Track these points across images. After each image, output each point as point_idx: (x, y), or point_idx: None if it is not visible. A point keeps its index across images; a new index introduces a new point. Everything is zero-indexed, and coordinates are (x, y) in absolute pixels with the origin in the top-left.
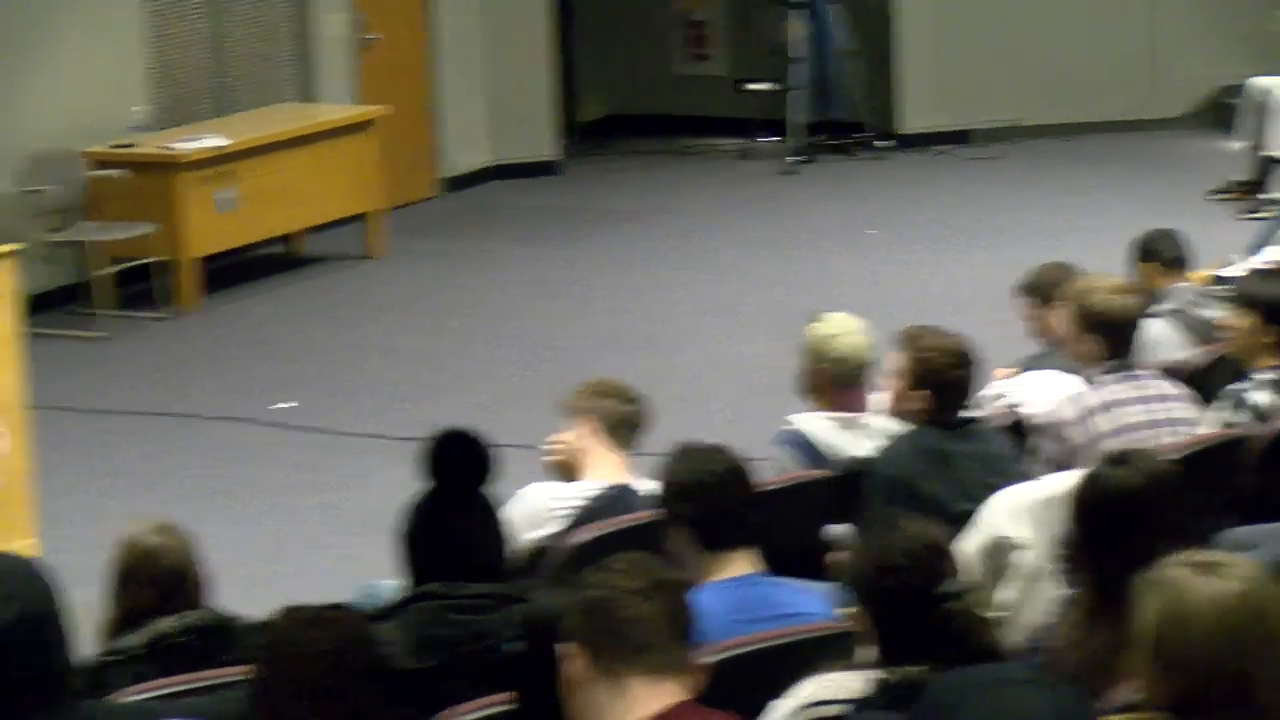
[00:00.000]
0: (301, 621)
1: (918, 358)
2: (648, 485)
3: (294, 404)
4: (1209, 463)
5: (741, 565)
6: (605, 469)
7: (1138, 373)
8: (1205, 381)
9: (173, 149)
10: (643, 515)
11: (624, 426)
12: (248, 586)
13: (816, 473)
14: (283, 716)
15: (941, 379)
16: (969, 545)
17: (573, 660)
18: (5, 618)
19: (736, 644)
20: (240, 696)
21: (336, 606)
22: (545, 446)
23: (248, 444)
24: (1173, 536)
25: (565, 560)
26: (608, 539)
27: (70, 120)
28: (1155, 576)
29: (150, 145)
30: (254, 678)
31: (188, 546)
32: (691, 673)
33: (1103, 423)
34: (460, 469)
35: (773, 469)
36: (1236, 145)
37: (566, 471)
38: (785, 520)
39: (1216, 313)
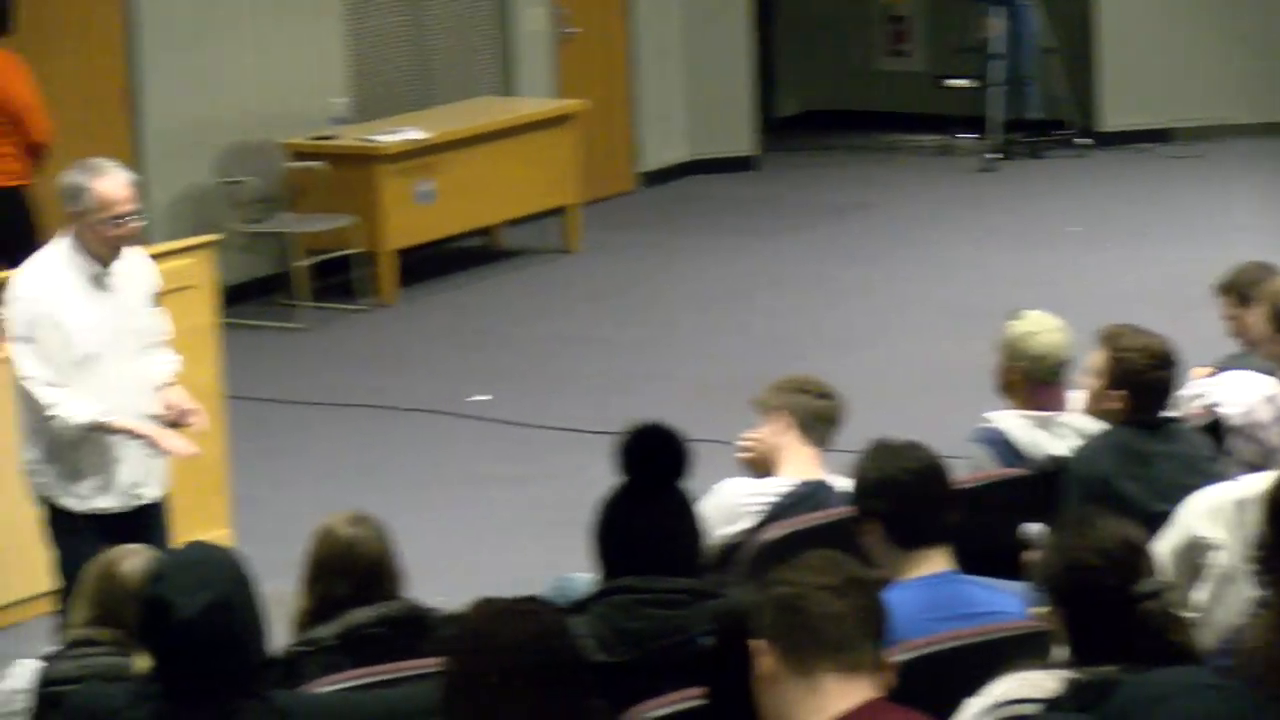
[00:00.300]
0: (496, 614)
1: (1116, 357)
2: (844, 482)
3: (488, 397)
4: None
5: (935, 563)
6: (799, 465)
7: None
8: None
9: (373, 141)
10: (836, 512)
11: (818, 422)
12: (446, 578)
13: (1013, 471)
14: (476, 709)
15: (1140, 379)
16: (1164, 545)
17: (765, 656)
18: (195, 605)
19: (930, 642)
20: (432, 688)
21: (530, 599)
22: (740, 443)
23: (445, 436)
24: None
25: (757, 556)
26: (800, 535)
27: (271, 112)
28: None
29: (350, 137)
30: (447, 669)
31: (383, 537)
32: (883, 671)
33: None
34: (655, 464)
35: (969, 467)
36: None
37: (761, 468)
38: (981, 518)
39: None
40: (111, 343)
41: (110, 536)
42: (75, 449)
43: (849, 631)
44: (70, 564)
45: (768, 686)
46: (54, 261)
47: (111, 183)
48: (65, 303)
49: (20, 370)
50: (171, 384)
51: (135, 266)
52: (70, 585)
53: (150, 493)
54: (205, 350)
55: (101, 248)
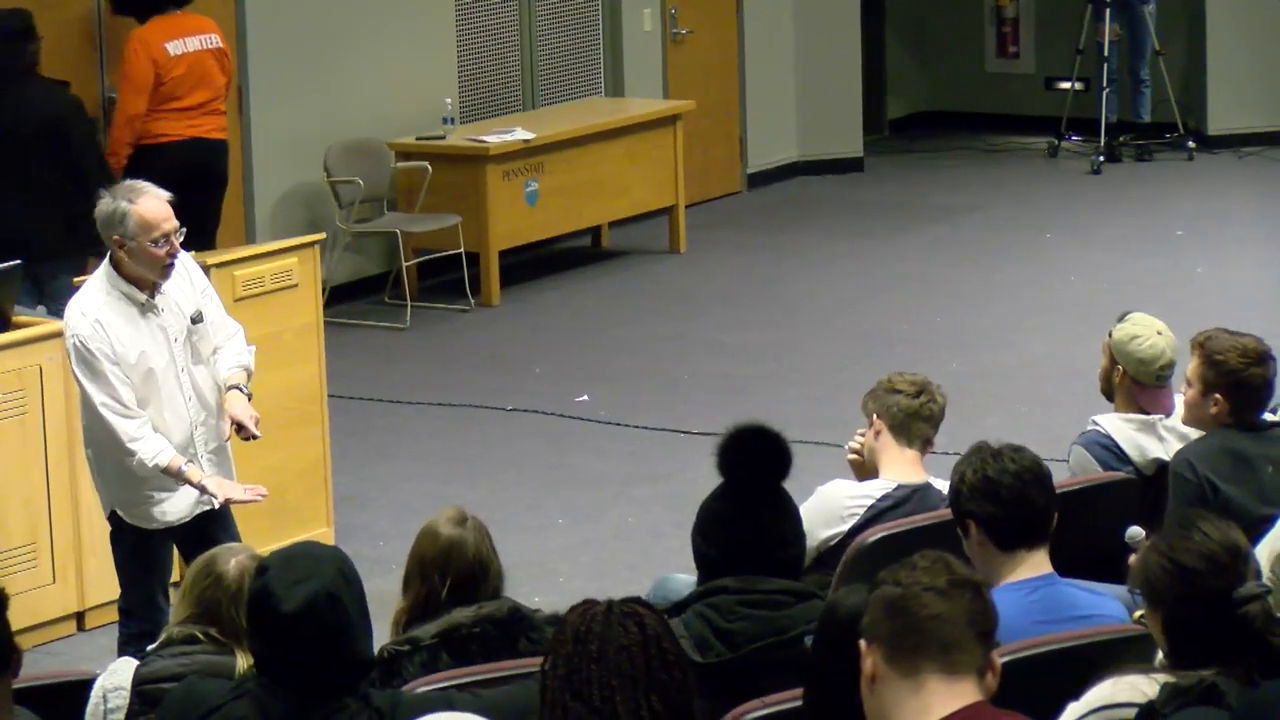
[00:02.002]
0: (598, 615)
1: (1210, 361)
2: (946, 484)
3: (586, 397)
4: None
5: (1036, 566)
6: (898, 468)
7: None
8: None
9: (481, 142)
10: (936, 514)
11: (913, 421)
12: (548, 578)
13: (1116, 474)
14: (576, 710)
15: (1236, 379)
16: (1266, 549)
17: (870, 657)
18: (297, 598)
19: (1032, 644)
20: (532, 688)
21: (633, 600)
22: (848, 446)
23: (548, 436)
24: None
25: (855, 558)
26: (899, 538)
27: (381, 112)
28: None
29: (459, 138)
30: (547, 670)
31: (485, 537)
32: (988, 673)
33: None
34: (756, 465)
35: (1073, 469)
36: None
37: (865, 471)
38: (1084, 521)
39: None
40: (167, 360)
41: (178, 544)
42: (138, 472)
43: (955, 633)
44: (132, 577)
45: (872, 687)
46: (100, 294)
47: (151, 203)
48: (116, 336)
49: (92, 404)
50: (237, 382)
51: (180, 280)
52: (133, 596)
53: (216, 500)
54: (309, 349)
55: (149, 270)
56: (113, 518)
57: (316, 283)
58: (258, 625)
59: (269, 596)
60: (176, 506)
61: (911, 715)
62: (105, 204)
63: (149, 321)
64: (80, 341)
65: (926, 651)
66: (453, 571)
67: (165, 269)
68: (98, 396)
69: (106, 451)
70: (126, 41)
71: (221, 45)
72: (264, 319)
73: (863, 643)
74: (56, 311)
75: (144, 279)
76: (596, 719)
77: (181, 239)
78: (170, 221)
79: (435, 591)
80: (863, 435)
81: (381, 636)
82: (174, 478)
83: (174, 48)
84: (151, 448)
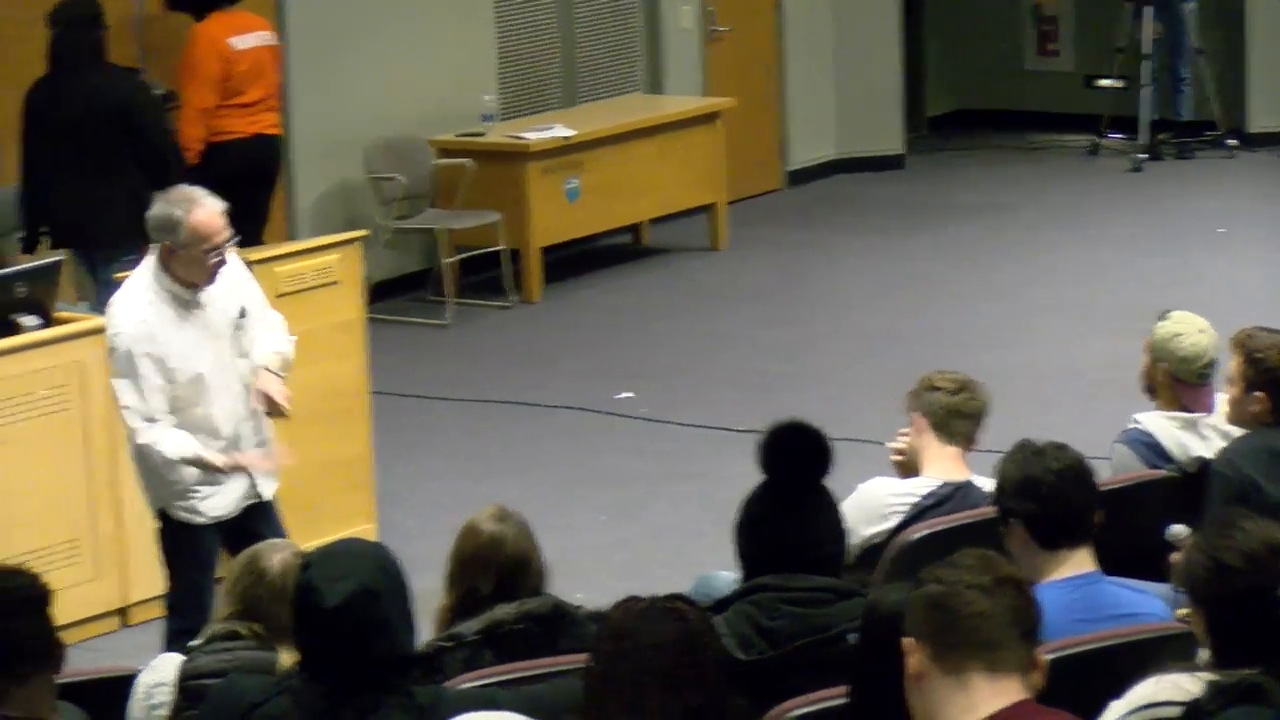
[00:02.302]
0: (640, 612)
1: (1250, 359)
2: (989, 482)
3: (630, 394)
4: None
5: (1079, 564)
6: (940, 465)
7: None
8: None
9: (521, 138)
10: (977, 512)
11: (954, 419)
12: (589, 575)
13: (1158, 472)
14: (618, 706)
15: (1277, 378)
16: None
17: (914, 655)
18: (340, 593)
19: (1074, 643)
20: (575, 685)
21: (675, 597)
22: (890, 445)
23: (589, 433)
24: None
25: (897, 556)
26: (941, 535)
27: (421, 109)
28: None
29: (498, 134)
30: (590, 667)
31: (527, 534)
32: (1034, 671)
33: None
34: (797, 462)
35: (1114, 467)
36: None
37: (908, 470)
38: (1126, 519)
39: None
40: (213, 357)
41: (223, 539)
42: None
43: (999, 631)
44: (179, 573)
45: (917, 685)
46: (145, 292)
47: (205, 214)
48: (162, 334)
49: (119, 402)
50: (269, 364)
51: (223, 277)
52: (179, 592)
53: (264, 492)
54: (351, 346)
55: (198, 277)
56: (161, 515)
57: (358, 279)
58: (301, 620)
59: (311, 592)
60: (224, 501)
61: (957, 713)
62: (160, 209)
63: (194, 318)
64: (123, 341)
65: (970, 649)
66: (494, 568)
67: (214, 275)
68: (123, 398)
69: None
70: (191, 38)
71: (275, 42)
72: (305, 315)
73: (907, 640)
74: (107, 297)
75: (192, 282)
76: (637, 715)
77: (231, 245)
78: (223, 233)
79: (477, 588)
80: (905, 434)
81: (425, 633)
82: (195, 466)
83: (238, 43)
84: (170, 444)
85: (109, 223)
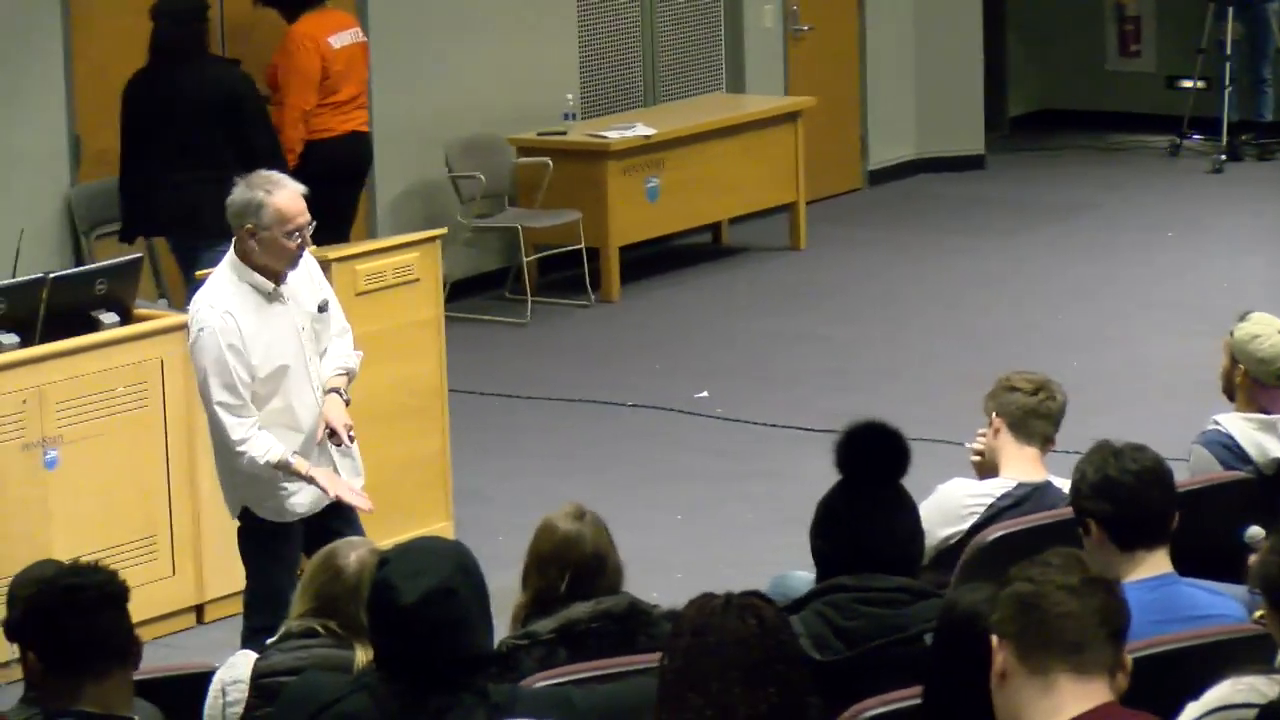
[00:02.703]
0: (716, 610)
1: None
2: (1067, 483)
3: (705, 394)
4: None
5: (1155, 565)
6: (1018, 466)
7: None
8: None
9: (601, 137)
10: (1055, 513)
11: (1031, 419)
12: (666, 574)
13: (1235, 474)
14: (694, 705)
15: None
16: None
17: (1000, 654)
18: (417, 590)
19: (1152, 644)
20: (650, 684)
21: (751, 595)
22: (969, 446)
23: (668, 432)
24: None
25: (974, 557)
26: (1018, 536)
27: (501, 107)
28: None
29: (579, 133)
30: (665, 665)
31: (604, 533)
32: (1119, 673)
33: None
34: (875, 462)
35: (1192, 469)
36: None
37: (986, 470)
38: (1203, 521)
39: None
40: (296, 352)
41: (303, 537)
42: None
43: (1086, 632)
44: (261, 571)
45: (1001, 684)
46: (228, 285)
47: (287, 196)
48: (246, 326)
49: (208, 399)
50: (337, 386)
51: (300, 271)
52: (260, 590)
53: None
54: (429, 344)
55: (279, 262)
56: (243, 514)
57: (438, 278)
58: (377, 618)
59: (389, 589)
60: (305, 499)
61: (1042, 715)
62: (240, 193)
63: (276, 311)
64: (208, 336)
65: (1057, 650)
66: (570, 566)
67: (295, 261)
68: (216, 395)
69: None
70: (289, 39)
71: (365, 39)
72: (385, 314)
73: (993, 639)
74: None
75: (271, 269)
76: (715, 711)
77: (311, 231)
78: (304, 215)
79: (553, 586)
80: (983, 435)
81: (501, 631)
82: (283, 471)
83: (335, 41)
84: (260, 446)
85: (213, 213)
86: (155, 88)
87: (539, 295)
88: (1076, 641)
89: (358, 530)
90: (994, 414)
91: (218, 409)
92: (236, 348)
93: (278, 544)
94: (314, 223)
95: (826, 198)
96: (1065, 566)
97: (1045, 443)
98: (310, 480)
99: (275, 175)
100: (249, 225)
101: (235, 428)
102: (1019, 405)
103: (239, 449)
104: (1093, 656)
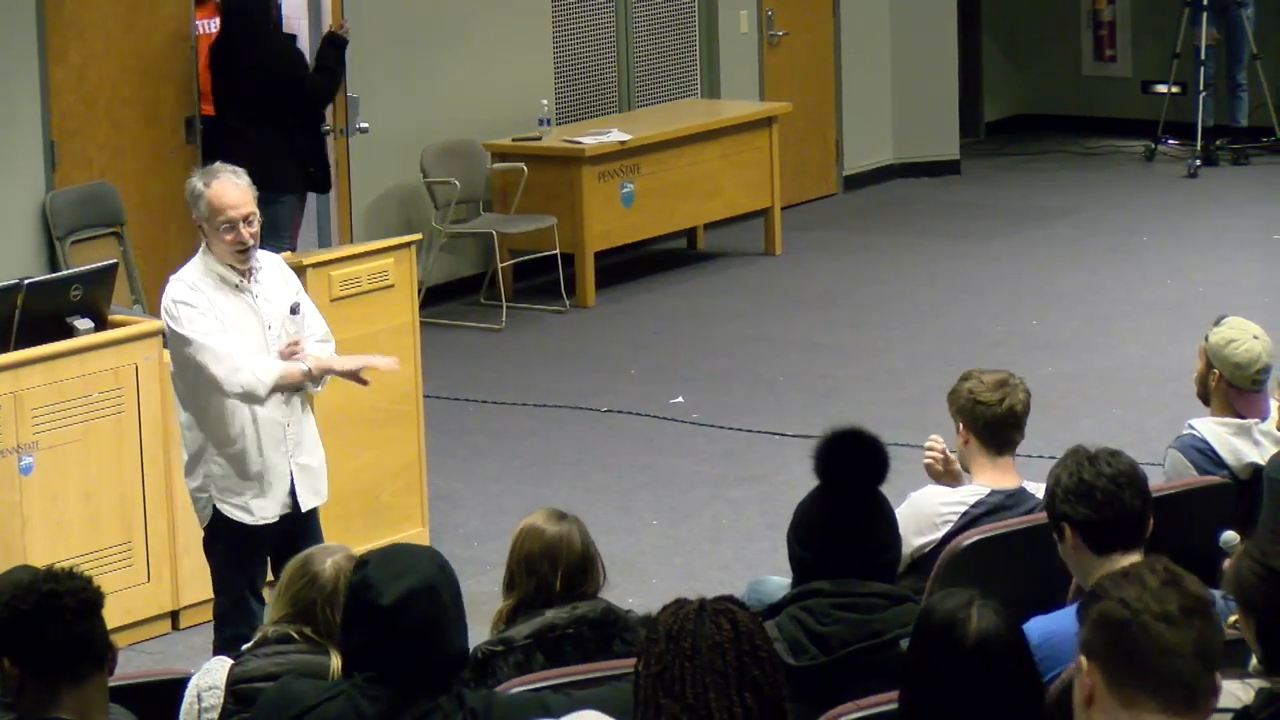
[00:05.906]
0: (690, 615)
1: None
2: (1041, 488)
3: (679, 399)
4: None
5: None
6: (990, 474)
7: None
8: None
9: (577, 143)
10: (1030, 518)
11: (999, 429)
12: (642, 579)
13: (1210, 479)
14: (678, 708)
15: None
16: None
17: (1089, 677)
18: (395, 592)
19: None
20: (626, 689)
21: (726, 600)
22: (924, 451)
23: (643, 437)
24: None
25: (948, 564)
26: (995, 541)
27: (477, 114)
28: None
29: (555, 139)
30: (642, 670)
31: (584, 537)
32: (1208, 705)
33: None
34: (852, 468)
35: (1169, 473)
36: None
37: (943, 477)
38: (1179, 525)
39: None
40: (262, 345)
41: (268, 546)
42: (234, 462)
43: (1184, 667)
44: (226, 579)
45: (1088, 709)
46: (199, 269)
47: (221, 187)
48: (213, 302)
49: (191, 340)
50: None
51: (274, 273)
52: (228, 600)
53: (308, 501)
54: (405, 349)
55: (223, 254)
56: (210, 524)
57: (413, 283)
58: (356, 619)
59: (369, 589)
60: (269, 504)
61: None
62: (189, 181)
63: (245, 303)
64: (176, 299)
65: (1151, 684)
66: (563, 565)
67: (239, 255)
68: (196, 336)
69: (208, 432)
70: None
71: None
72: (360, 319)
73: (1082, 659)
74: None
75: (229, 261)
76: (690, 717)
77: (257, 227)
78: (241, 208)
79: (547, 585)
80: (934, 441)
81: (477, 636)
82: (285, 380)
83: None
84: (253, 368)
85: (279, 167)
86: (229, 53)
87: (514, 301)
88: (1172, 678)
89: (321, 542)
90: (960, 424)
91: (204, 340)
92: (204, 308)
93: (242, 552)
94: (258, 216)
95: (802, 203)
96: (1162, 590)
97: (1015, 445)
98: (325, 371)
99: (222, 166)
100: (194, 216)
101: (223, 358)
102: (985, 418)
103: (234, 378)
104: (1184, 692)
